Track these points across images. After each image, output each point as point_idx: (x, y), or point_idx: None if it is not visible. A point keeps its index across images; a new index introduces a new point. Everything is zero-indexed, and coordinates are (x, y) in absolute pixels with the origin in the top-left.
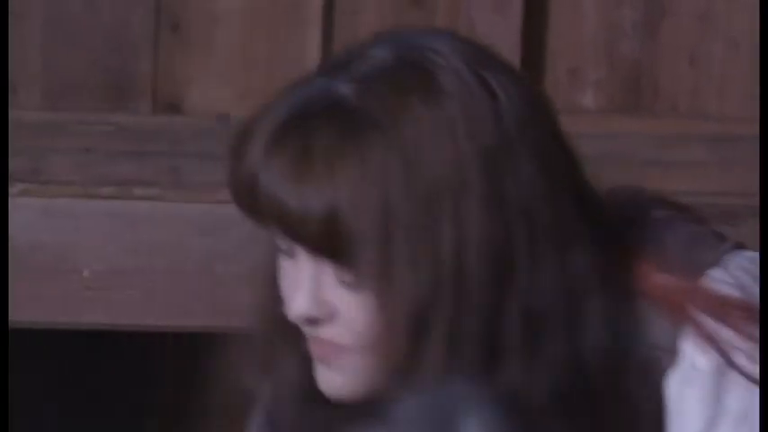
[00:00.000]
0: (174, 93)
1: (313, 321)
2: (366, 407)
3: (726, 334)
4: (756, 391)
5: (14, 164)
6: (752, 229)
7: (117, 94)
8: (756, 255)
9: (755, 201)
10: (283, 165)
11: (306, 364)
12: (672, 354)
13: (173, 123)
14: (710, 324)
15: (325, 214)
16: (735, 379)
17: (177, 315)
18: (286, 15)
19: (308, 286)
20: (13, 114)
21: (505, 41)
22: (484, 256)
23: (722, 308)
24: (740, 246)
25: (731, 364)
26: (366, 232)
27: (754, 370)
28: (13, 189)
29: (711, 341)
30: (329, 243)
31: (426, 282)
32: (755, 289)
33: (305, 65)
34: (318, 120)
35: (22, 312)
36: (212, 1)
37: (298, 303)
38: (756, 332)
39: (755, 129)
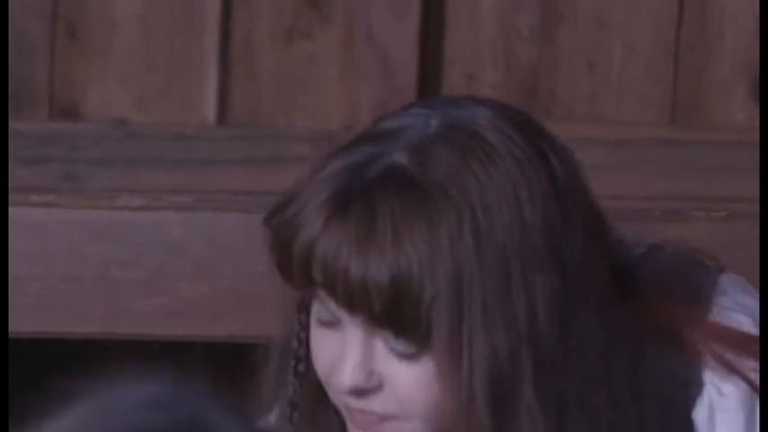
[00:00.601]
0: (71, 98)
1: (360, 393)
2: None
3: (746, 363)
4: None
5: None
6: (651, 229)
7: (14, 100)
8: (734, 275)
9: (653, 204)
10: (346, 234)
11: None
12: (695, 386)
13: (70, 129)
14: (730, 355)
15: (391, 283)
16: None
17: (75, 321)
18: (183, 20)
19: (358, 357)
20: None
21: (403, 45)
22: (553, 320)
23: (740, 341)
24: (721, 267)
25: (756, 389)
26: (437, 301)
27: None
28: None
29: (734, 369)
30: (392, 312)
31: (504, 349)
32: (756, 305)
33: (203, 70)
34: (380, 188)
35: None
36: (110, 7)
37: (346, 375)
38: None
39: (653, 132)
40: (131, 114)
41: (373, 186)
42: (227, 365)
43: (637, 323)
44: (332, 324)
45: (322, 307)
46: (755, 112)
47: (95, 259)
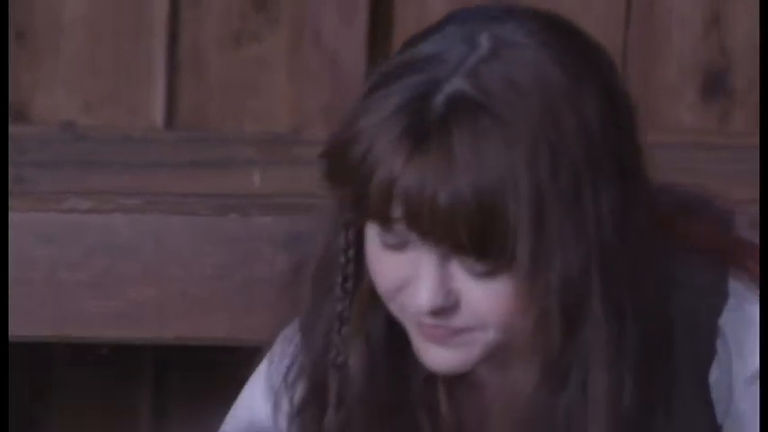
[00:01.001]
0: (19, 101)
1: (438, 312)
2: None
3: None
4: None
5: None
6: None
7: None
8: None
9: None
10: (428, 168)
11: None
12: (722, 296)
13: (18, 132)
14: (756, 267)
15: (478, 210)
16: None
17: (24, 325)
18: (131, 23)
19: (436, 280)
20: None
21: (351, 48)
22: (615, 230)
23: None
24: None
25: None
26: (520, 222)
27: None
28: None
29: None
30: (477, 239)
31: (577, 263)
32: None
33: (151, 73)
34: (452, 118)
35: None
36: (57, 9)
37: (424, 298)
38: None
39: None
40: (79, 117)
41: (445, 117)
42: (176, 368)
43: (665, 234)
44: (399, 246)
45: (385, 231)
46: (703, 113)
47: (43, 262)
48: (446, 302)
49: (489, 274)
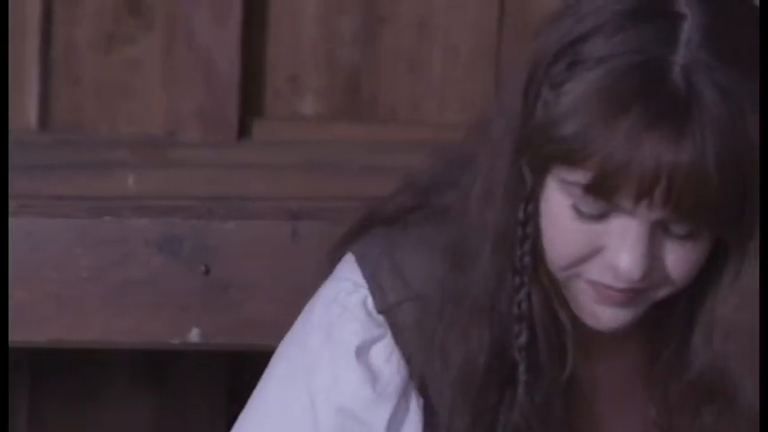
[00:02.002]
0: None
1: (643, 277)
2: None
3: None
4: None
5: None
6: None
7: None
8: None
9: None
10: (696, 141)
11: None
12: None
13: None
14: None
15: (738, 172)
16: None
17: None
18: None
19: (646, 246)
20: None
21: (225, 51)
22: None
23: None
24: None
25: None
26: (751, 186)
27: None
28: None
29: None
30: (726, 201)
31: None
32: None
33: (24, 75)
34: (698, 89)
35: None
36: None
37: (635, 264)
38: None
39: None
40: None
41: (692, 91)
42: (51, 371)
43: None
44: (599, 216)
45: (585, 201)
46: None
47: None
48: (650, 267)
49: (691, 236)
